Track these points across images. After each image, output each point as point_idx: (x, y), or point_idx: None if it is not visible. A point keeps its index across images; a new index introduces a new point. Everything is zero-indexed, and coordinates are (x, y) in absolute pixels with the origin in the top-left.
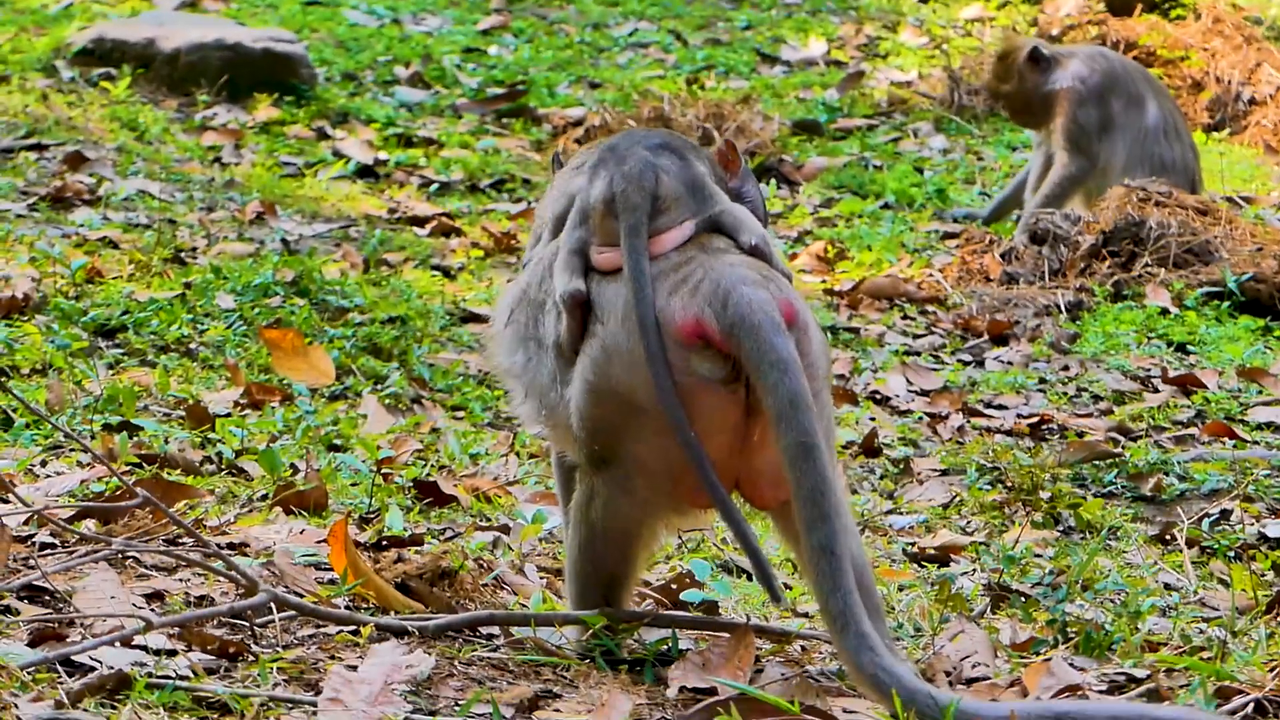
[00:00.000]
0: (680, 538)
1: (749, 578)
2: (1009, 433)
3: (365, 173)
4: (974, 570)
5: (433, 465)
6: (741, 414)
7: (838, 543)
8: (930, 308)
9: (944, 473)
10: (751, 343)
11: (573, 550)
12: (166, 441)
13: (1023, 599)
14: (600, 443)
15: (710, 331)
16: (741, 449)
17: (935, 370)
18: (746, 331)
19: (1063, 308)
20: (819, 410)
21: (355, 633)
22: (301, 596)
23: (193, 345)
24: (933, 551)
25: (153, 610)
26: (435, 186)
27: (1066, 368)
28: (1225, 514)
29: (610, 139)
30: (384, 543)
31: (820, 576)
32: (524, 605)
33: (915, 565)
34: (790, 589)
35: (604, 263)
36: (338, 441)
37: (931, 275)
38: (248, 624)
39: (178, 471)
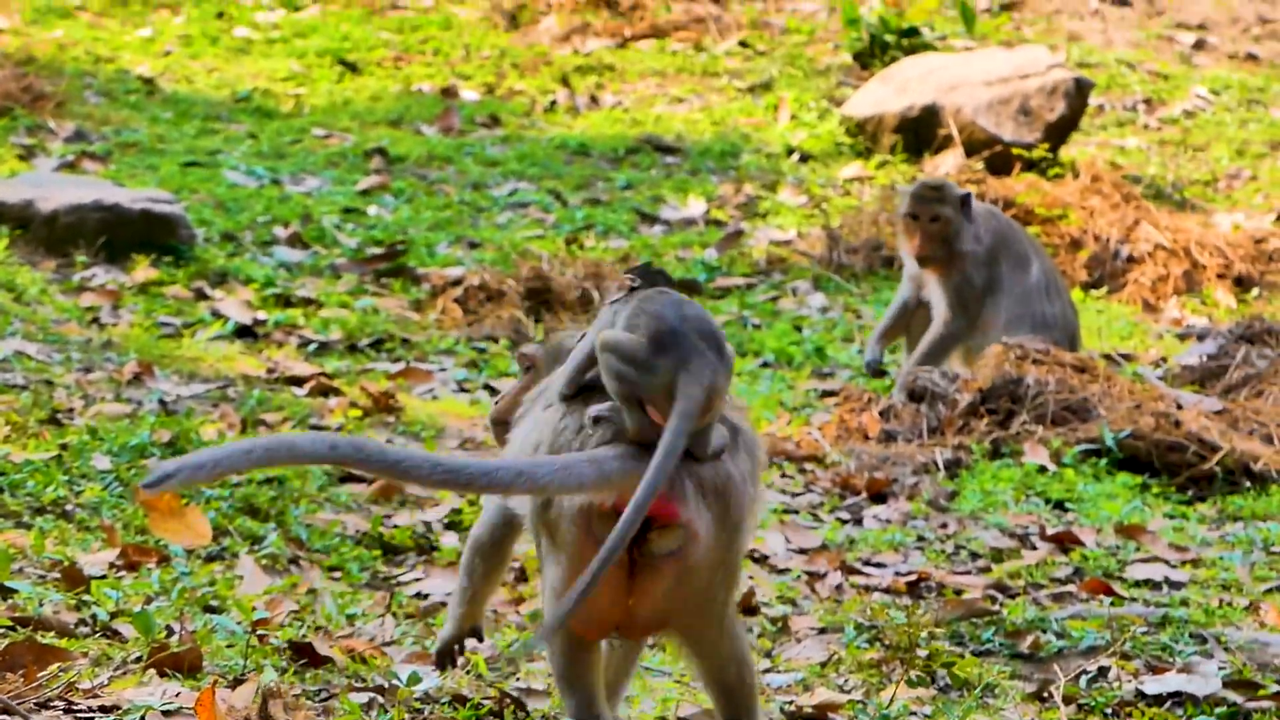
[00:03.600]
0: None
1: None
2: (887, 590)
3: (244, 333)
4: None
5: (309, 626)
6: (626, 574)
7: None
8: (808, 466)
9: (822, 631)
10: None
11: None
12: (41, 604)
13: None
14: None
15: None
16: (623, 599)
17: (813, 528)
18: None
19: (941, 465)
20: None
21: None
22: None
23: (68, 506)
24: (810, 710)
25: None
26: (314, 346)
27: (945, 525)
28: (1103, 671)
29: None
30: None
31: None
32: None
33: None
34: None
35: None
36: (214, 603)
37: (810, 433)
38: None
39: (51, 634)
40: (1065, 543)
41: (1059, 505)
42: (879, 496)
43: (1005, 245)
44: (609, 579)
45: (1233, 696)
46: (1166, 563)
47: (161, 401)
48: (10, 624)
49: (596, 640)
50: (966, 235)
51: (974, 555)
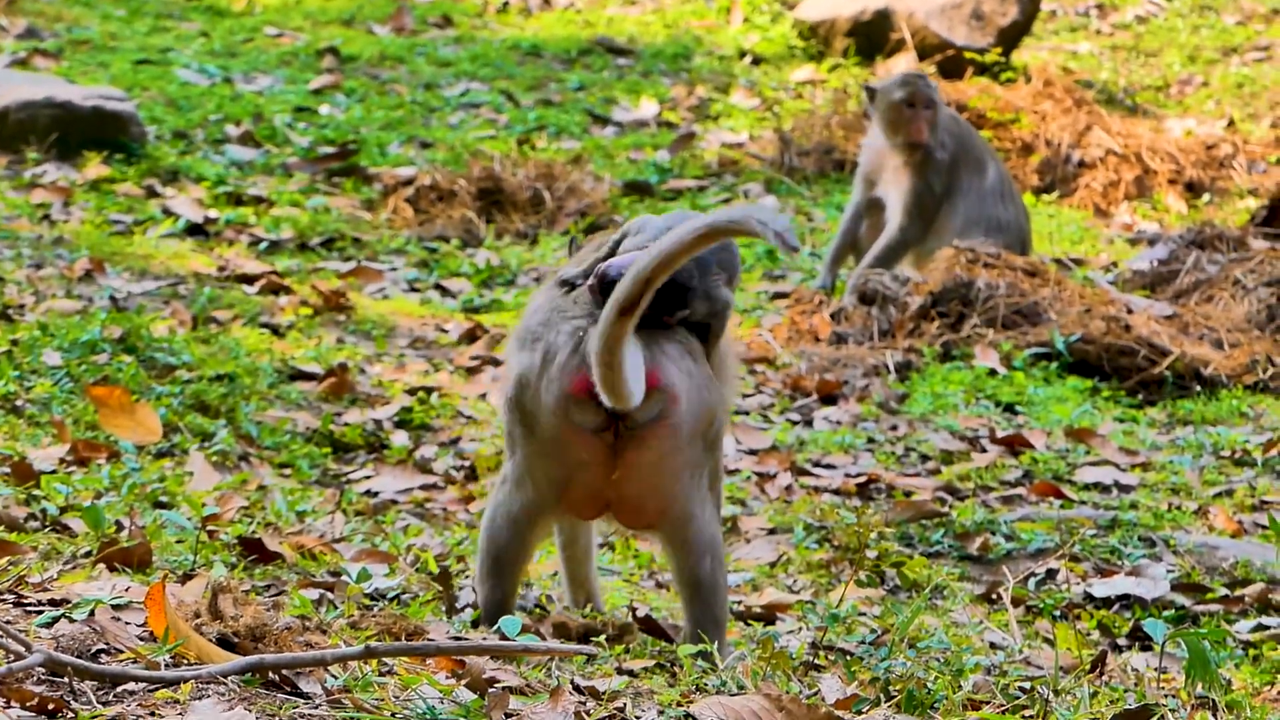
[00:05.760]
0: None
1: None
2: (836, 492)
3: (195, 231)
4: (800, 629)
5: (259, 522)
6: (610, 449)
7: None
8: (759, 367)
9: (771, 531)
10: None
11: (482, 526)
12: None
13: (846, 656)
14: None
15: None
16: (608, 475)
17: (764, 430)
18: None
19: (891, 368)
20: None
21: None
22: (120, 653)
23: (19, 402)
24: (759, 610)
25: None
26: (265, 245)
27: (895, 427)
28: (1051, 573)
29: None
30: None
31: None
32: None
33: (741, 624)
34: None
35: None
36: (164, 499)
37: (761, 335)
38: (67, 680)
39: (1, 528)
40: (1015, 445)
41: (1009, 408)
42: (829, 398)
43: (965, 151)
44: (593, 454)
45: (1181, 599)
46: (1116, 466)
47: (112, 298)
48: None
49: (590, 520)
50: (937, 137)
51: (924, 457)
